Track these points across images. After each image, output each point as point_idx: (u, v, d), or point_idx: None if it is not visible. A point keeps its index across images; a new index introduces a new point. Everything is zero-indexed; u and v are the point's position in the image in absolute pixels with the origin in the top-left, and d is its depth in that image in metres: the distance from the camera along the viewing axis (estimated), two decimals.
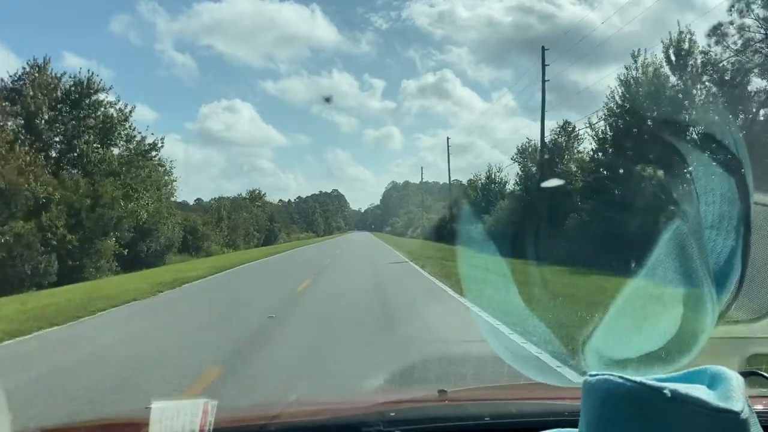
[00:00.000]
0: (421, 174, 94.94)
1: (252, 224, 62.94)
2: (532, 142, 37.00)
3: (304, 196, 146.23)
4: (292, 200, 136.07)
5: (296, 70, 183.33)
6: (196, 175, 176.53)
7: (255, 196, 79.19)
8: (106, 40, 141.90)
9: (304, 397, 2.35)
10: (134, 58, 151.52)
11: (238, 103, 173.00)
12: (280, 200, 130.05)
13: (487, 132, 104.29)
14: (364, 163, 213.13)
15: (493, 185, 44.41)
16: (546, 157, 30.86)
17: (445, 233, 39.94)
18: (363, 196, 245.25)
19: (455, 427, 1.58)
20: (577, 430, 0.85)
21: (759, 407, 1.36)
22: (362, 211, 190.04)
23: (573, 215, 26.66)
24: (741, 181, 1.94)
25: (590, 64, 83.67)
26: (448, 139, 60.56)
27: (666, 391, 0.76)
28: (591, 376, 0.83)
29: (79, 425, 1.77)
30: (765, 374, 1.17)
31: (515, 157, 39.77)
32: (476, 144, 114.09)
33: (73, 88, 29.89)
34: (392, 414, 1.59)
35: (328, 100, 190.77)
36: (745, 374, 0.91)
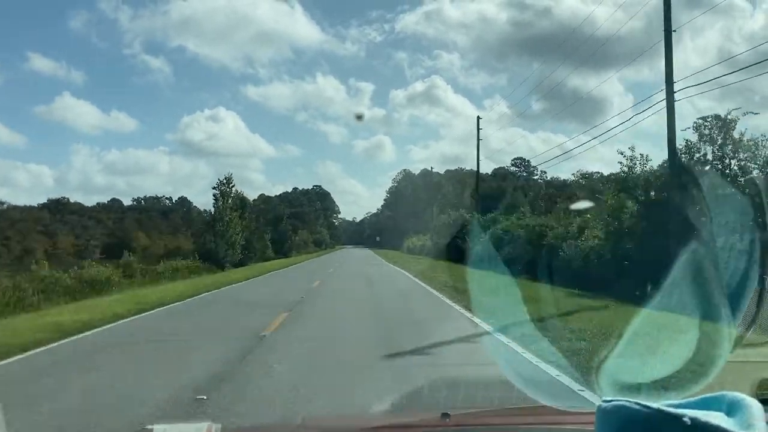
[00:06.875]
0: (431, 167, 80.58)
1: None
2: None
3: (270, 195, 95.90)
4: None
5: (278, 75, 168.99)
6: (186, 189, 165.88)
7: None
8: (69, 40, 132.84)
9: (308, 419, 2.32)
10: (102, 59, 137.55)
11: (222, 111, 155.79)
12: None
13: (481, 142, 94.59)
14: (355, 175, 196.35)
15: None
16: None
17: None
18: (355, 210, 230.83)
19: None
20: None
21: None
22: (357, 220, 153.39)
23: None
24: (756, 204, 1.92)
25: (591, 68, 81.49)
26: (478, 118, 41.41)
27: (686, 419, 0.73)
28: (605, 401, 0.80)
29: None
30: None
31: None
32: (470, 155, 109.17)
33: None
34: None
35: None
36: (765, 401, 0.88)
